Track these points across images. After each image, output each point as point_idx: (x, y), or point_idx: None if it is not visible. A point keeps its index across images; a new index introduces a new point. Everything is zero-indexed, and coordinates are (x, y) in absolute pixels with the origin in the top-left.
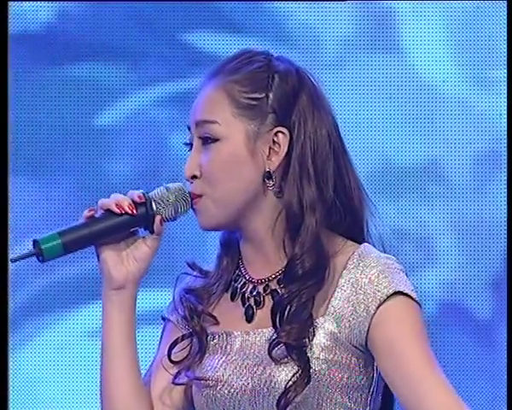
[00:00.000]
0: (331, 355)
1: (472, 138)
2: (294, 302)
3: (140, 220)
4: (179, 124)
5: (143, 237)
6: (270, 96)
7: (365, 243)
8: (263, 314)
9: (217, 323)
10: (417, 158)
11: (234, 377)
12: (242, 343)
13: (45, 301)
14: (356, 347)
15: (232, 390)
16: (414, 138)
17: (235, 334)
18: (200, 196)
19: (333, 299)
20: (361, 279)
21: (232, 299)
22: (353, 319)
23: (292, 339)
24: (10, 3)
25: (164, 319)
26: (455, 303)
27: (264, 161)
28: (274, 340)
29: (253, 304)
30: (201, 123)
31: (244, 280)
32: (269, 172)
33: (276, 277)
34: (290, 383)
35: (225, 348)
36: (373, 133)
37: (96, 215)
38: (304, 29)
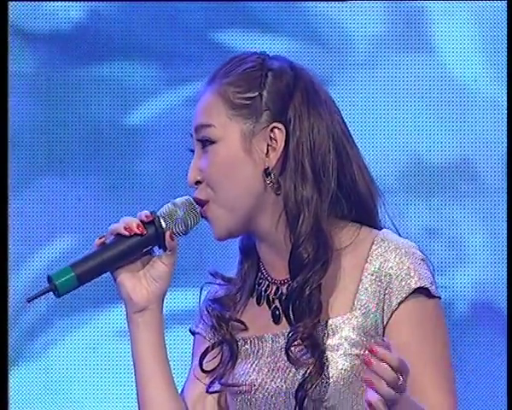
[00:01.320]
0: (363, 350)
1: (503, 137)
2: (304, 294)
3: (151, 239)
4: None
5: (159, 256)
6: (264, 93)
7: (384, 230)
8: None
9: (246, 328)
10: (449, 157)
11: (267, 380)
12: (273, 346)
13: (76, 300)
14: (380, 336)
15: (266, 394)
16: (446, 137)
17: (266, 337)
18: (206, 201)
19: (358, 294)
20: (384, 270)
21: (258, 303)
22: (377, 310)
23: (307, 332)
24: (10, 3)
25: (192, 332)
26: (486, 303)
27: (263, 158)
28: (290, 337)
29: (278, 305)
30: (199, 127)
31: (267, 282)
32: (267, 169)
33: None
34: (306, 374)
35: (257, 352)
36: (405, 132)
37: (107, 241)
38: (335, 28)
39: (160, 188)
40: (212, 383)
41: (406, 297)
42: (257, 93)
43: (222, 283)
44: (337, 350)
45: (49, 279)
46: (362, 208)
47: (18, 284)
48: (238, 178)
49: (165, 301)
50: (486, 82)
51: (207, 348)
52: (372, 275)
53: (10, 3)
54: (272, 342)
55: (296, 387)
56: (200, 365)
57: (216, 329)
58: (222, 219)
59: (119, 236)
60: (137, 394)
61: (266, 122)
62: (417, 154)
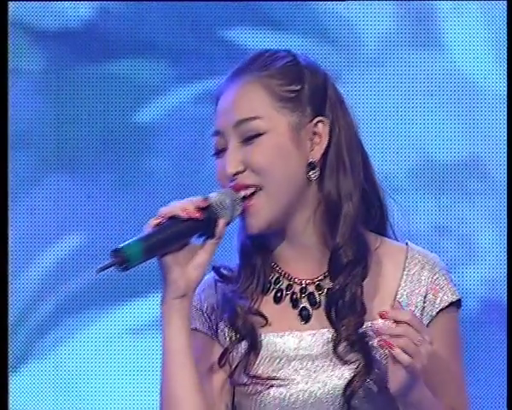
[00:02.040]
0: None
1: None
2: (346, 295)
3: (203, 225)
4: None
5: (201, 244)
6: (306, 87)
7: (409, 243)
8: (319, 313)
9: (266, 324)
10: (459, 155)
11: (302, 380)
12: (300, 345)
13: (84, 298)
14: None
15: (297, 393)
16: (455, 135)
17: (289, 335)
18: (254, 186)
19: (396, 300)
20: (423, 279)
21: (276, 301)
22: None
23: (351, 331)
24: (10, 3)
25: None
26: (496, 301)
27: (307, 151)
28: (336, 337)
29: (307, 305)
30: (241, 122)
31: (288, 282)
32: (312, 162)
33: (327, 276)
34: (354, 372)
35: (282, 351)
36: (414, 130)
37: (164, 223)
38: (344, 26)
39: (170, 185)
40: (233, 373)
41: (444, 308)
42: (299, 87)
43: (223, 280)
44: (378, 351)
45: (118, 251)
46: (379, 211)
47: (28, 281)
48: (286, 168)
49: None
50: (496, 79)
51: (227, 348)
52: (411, 283)
53: (15, 3)
54: (298, 340)
55: (345, 384)
56: (220, 363)
57: (233, 323)
58: (265, 209)
59: (173, 218)
60: (164, 383)
61: (310, 116)
62: (427, 152)
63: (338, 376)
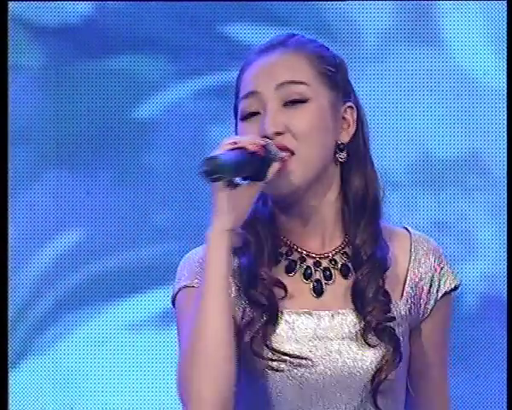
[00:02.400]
0: (406, 338)
1: None
2: (372, 283)
3: (259, 164)
4: (219, 116)
5: (248, 184)
6: (339, 73)
7: (409, 228)
8: (332, 290)
9: (284, 296)
10: (458, 150)
11: (316, 359)
12: (318, 324)
13: (83, 294)
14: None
15: (316, 374)
16: (454, 131)
17: (307, 313)
18: (290, 150)
19: (406, 285)
20: (429, 267)
21: (288, 273)
22: (418, 303)
23: (380, 319)
24: (10, 3)
25: (179, 289)
26: (496, 296)
27: (338, 132)
28: (365, 325)
29: (321, 279)
30: (286, 84)
31: (299, 255)
32: (343, 143)
33: (340, 251)
34: (383, 361)
35: (299, 328)
36: (413, 126)
37: (234, 150)
38: (344, 22)
39: (169, 181)
40: (254, 344)
41: (448, 292)
42: (334, 69)
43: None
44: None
45: (212, 160)
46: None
47: (27, 277)
48: (322, 140)
49: (160, 299)
50: (496, 75)
51: (252, 317)
52: (418, 267)
53: (13, 3)
54: (319, 320)
55: (371, 370)
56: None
57: (252, 290)
58: (296, 173)
59: (241, 149)
60: (201, 308)
61: (342, 99)
62: (426, 147)
63: (360, 359)
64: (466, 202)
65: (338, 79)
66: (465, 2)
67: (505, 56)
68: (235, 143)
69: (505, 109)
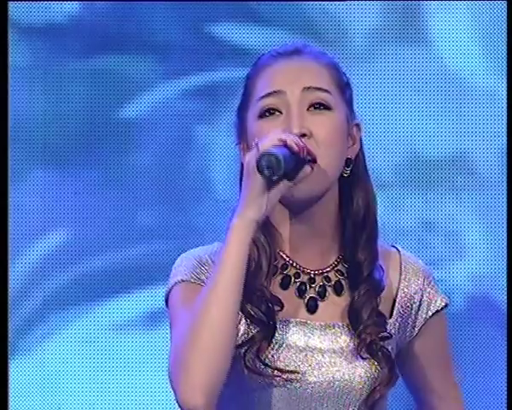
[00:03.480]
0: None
1: (500, 131)
2: (368, 304)
3: (295, 165)
4: (206, 116)
5: (277, 183)
6: (349, 89)
7: (397, 246)
8: (325, 306)
9: (280, 309)
10: (446, 150)
11: (308, 371)
12: (310, 336)
13: (70, 294)
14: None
15: (306, 385)
16: (442, 131)
17: (299, 324)
18: (315, 159)
19: (396, 303)
20: (415, 288)
21: (283, 287)
22: (406, 322)
23: (375, 337)
24: (10, 3)
25: (176, 282)
26: (483, 297)
27: (348, 147)
28: (360, 340)
29: (315, 296)
30: (312, 89)
31: (295, 270)
32: (350, 159)
33: (333, 268)
34: (378, 381)
35: (291, 339)
36: (401, 126)
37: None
38: (332, 21)
39: (157, 181)
40: (247, 358)
41: (433, 314)
42: (347, 85)
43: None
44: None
45: (268, 156)
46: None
47: (14, 276)
48: (341, 151)
49: (147, 299)
50: (483, 75)
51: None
52: (407, 287)
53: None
54: (311, 332)
55: (365, 387)
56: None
57: (251, 302)
58: (317, 180)
59: (285, 147)
60: (209, 301)
61: (351, 116)
62: (414, 147)
63: (352, 374)
64: (453, 202)
65: (349, 95)
66: (453, 2)
67: (493, 55)
68: (284, 140)
69: (504, 111)
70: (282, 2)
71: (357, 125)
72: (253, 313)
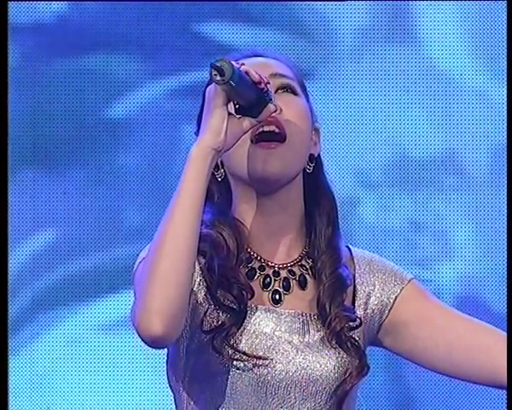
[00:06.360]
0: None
1: (489, 131)
2: (335, 295)
3: (257, 99)
4: (194, 116)
5: (241, 117)
6: (308, 93)
7: (350, 246)
8: (290, 299)
9: (251, 297)
10: (434, 150)
11: (275, 358)
12: (277, 324)
13: (59, 294)
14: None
15: (274, 372)
16: (431, 130)
17: (267, 312)
18: (285, 137)
19: (356, 297)
20: (375, 276)
21: (250, 277)
22: (374, 310)
23: (343, 325)
24: (10, 3)
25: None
26: (471, 297)
27: (311, 141)
28: (329, 329)
29: (280, 289)
30: (279, 76)
31: (259, 263)
32: (313, 154)
33: (297, 262)
34: (348, 373)
35: (259, 327)
36: (390, 125)
37: (242, 72)
38: (320, 21)
39: (145, 181)
40: (216, 341)
41: (404, 286)
42: (305, 89)
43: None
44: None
45: (222, 59)
46: None
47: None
48: (307, 137)
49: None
50: (472, 75)
51: (208, 308)
52: (365, 280)
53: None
54: (278, 321)
55: (333, 377)
56: (201, 324)
57: (226, 287)
58: (287, 158)
59: (246, 75)
60: (166, 225)
61: (313, 117)
62: (402, 147)
63: (320, 364)
64: (442, 202)
65: (309, 96)
66: (442, 2)
67: (481, 55)
68: (244, 64)
69: (504, 112)
70: (271, 2)
71: (317, 130)
72: (222, 299)
